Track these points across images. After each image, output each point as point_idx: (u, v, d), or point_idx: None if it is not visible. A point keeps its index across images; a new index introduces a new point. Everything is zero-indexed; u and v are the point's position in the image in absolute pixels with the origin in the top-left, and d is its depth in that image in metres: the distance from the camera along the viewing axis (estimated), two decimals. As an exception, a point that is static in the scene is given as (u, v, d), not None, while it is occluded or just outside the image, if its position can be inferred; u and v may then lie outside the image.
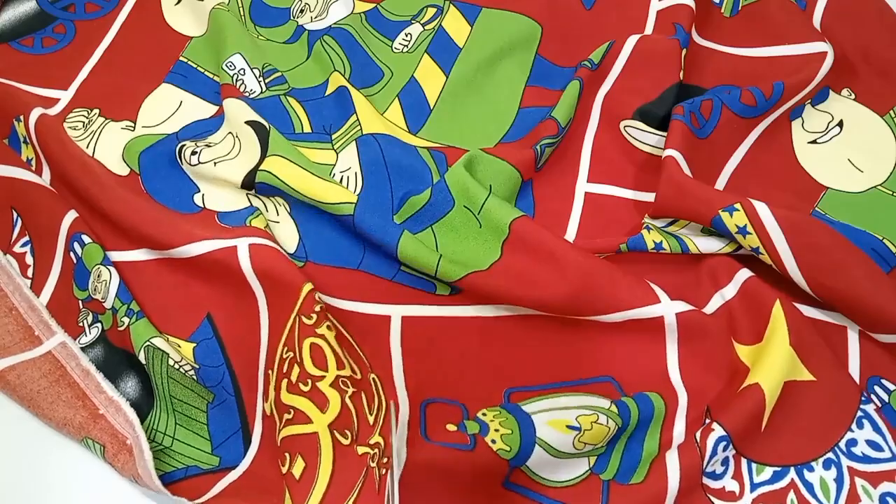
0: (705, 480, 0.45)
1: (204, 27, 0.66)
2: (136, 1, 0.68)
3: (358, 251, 0.53)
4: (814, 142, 0.58)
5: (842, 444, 0.45)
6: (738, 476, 0.45)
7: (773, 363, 0.46)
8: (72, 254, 0.53)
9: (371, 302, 0.51)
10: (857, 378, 0.47)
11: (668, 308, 0.48)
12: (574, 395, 0.47)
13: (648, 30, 0.62)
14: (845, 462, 0.44)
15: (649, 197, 0.55)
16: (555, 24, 0.64)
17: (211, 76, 0.64)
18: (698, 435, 0.45)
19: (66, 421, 0.46)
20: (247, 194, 0.56)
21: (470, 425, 0.45)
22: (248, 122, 0.57)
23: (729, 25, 0.63)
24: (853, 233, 0.51)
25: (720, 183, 0.56)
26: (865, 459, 0.44)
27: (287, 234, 0.54)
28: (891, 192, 0.55)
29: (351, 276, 0.52)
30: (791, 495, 0.44)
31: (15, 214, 0.55)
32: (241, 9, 0.67)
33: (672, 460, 0.44)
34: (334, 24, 0.65)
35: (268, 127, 0.57)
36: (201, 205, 0.56)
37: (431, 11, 0.66)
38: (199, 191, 0.57)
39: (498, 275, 0.49)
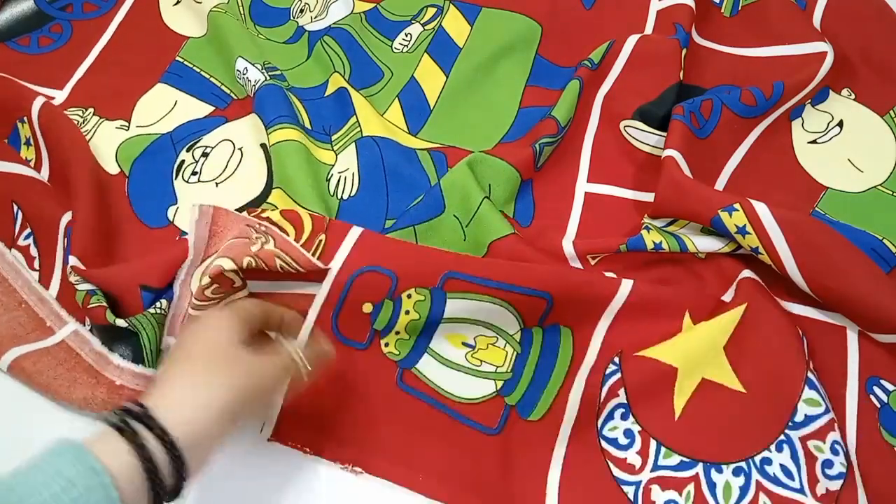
0: (606, 446, 0.45)
1: (202, 27, 0.66)
2: (134, 1, 0.68)
3: None
4: (814, 142, 0.58)
5: (756, 459, 0.45)
6: (643, 453, 0.45)
7: (693, 352, 0.46)
8: (66, 240, 0.53)
9: None
10: (855, 379, 0.47)
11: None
12: (496, 305, 0.46)
13: (648, 30, 0.62)
14: (755, 475, 0.45)
15: (649, 197, 0.55)
16: (555, 24, 0.64)
17: (207, 76, 0.63)
18: (604, 391, 0.45)
19: (87, 400, 0.46)
20: None
21: (382, 314, 0.46)
22: (262, 145, 0.58)
23: (729, 25, 0.63)
24: (853, 233, 0.51)
25: (720, 183, 0.56)
26: (776, 481, 0.44)
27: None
28: (891, 192, 0.55)
29: None
30: (690, 487, 0.44)
31: (16, 208, 0.55)
32: (240, 9, 0.67)
33: (574, 399, 0.45)
34: (334, 23, 0.65)
35: (271, 153, 0.57)
36: (171, 219, 0.56)
37: (431, 11, 0.66)
38: (176, 204, 0.57)
39: (465, 261, 0.49)
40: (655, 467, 0.45)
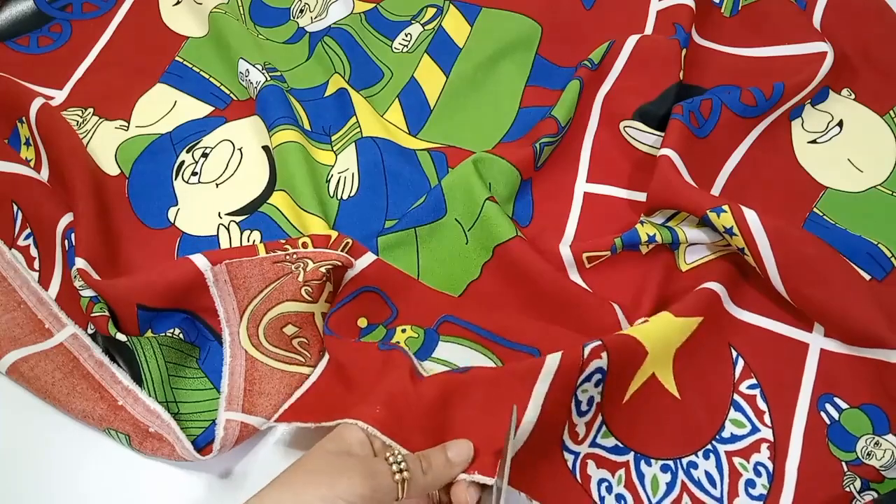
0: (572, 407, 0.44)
1: (202, 28, 0.66)
2: (133, 1, 0.68)
3: None
4: (813, 142, 0.58)
5: (684, 461, 0.45)
6: (589, 426, 0.45)
7: (660, 343, 0.46)
8: (67, 241, 0.53)
9: None
10: (808, 394, 0.47)
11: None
12: (486, 357, 0.47)
13: (648, 30, 0.62)
14: (681, 475, 0.45)
15: (647, 197, 0.55)
16: (555, 24, 0.64)
17: (207, 77, 0.63)
18: (587, 350, 0.43)
19: (85, 413, 0.46)
20: (218, 224, 0.55)
21: (373, 333, 0.48)
22: (264, 147, 0.58)
23: (729, 25, 0.63)
24: (849, 239, 0.51)
25: (719, 182, 0.56)
26: (699, 485, 0.45)
27: None
28: (890, 192, 0.55)
29: None
30: (621, 472, 0.45)
31: (16, 208, 0.55)
32: (240, 9, 0.67)
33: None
34: (334, 24, 0.65)
35: (274, 157, 0.57)
36: (171, 220, 0.56)
37: (431, 11, 0.65)
38: (177, 205, 0.57)
39: (464, 307, 0.50)
40: (593, 444, 0.45)
